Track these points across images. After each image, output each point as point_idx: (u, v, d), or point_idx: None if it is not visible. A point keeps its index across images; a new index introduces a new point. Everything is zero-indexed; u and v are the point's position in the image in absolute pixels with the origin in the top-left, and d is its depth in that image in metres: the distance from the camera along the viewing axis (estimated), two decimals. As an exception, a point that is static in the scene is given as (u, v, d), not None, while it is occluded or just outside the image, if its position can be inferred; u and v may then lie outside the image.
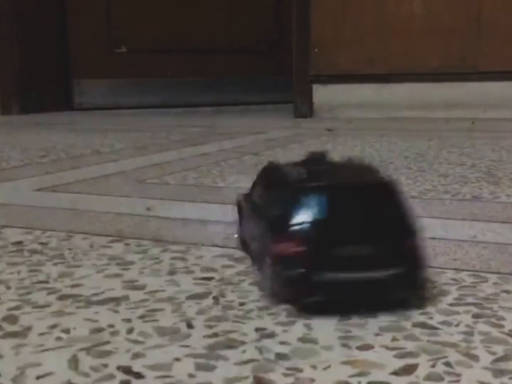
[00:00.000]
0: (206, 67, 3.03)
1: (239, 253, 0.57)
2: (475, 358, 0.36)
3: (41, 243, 0.62)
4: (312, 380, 0.34)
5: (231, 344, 0.38)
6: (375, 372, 0.34)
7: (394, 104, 2.14)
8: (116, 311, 0.44)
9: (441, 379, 0.34)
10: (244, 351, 0.37)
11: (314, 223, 0.41)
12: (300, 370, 0.35)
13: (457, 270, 0.52)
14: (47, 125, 2.18)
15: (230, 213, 0.73)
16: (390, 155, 1.23)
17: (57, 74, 2.82)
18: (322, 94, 2.24)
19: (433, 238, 0.61)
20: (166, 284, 0.49)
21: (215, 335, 0.39)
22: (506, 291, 0.46)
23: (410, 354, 0.37)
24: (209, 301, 0.45)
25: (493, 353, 0.36)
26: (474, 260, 0.54)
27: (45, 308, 0.44)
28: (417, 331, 0.40)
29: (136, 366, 0.35)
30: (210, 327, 0.41)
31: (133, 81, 2.93)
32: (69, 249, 0.60)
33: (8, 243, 0.62)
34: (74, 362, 0.36)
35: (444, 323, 0.41)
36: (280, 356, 0.36)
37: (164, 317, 0.43)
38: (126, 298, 0.46)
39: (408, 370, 0.35)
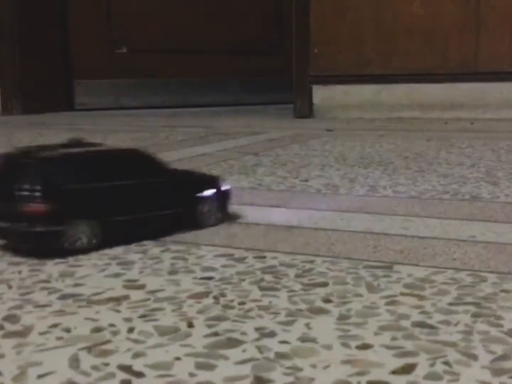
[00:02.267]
0: (206, 67, 3.03)
1: (239, 253, 0.57)
2: (474, 357, 0.36)
3: (41, 243, 0.62)
4: (312, 379, 0.34)
5: (231, 344, 0.38)
6: (374, 371, 0.35)
7: (393, 104, 2.14)
8: (117, 311, 0.44)
9: (440, 378, 0.34)
10: (244, 350, 0.37)
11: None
12: (300, 369, 0.35)
13: (456, 269, 0.52)
14: (48, 125, 2.18)
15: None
16: (389, 155, 1.23)
17: (58, 74, 2.82)
18: (322, 94, 2.24)
19: (432, 238, 0.61)
20: (166, 283, 0.49)
21: (215, 334, 0.40)
22: (505, 291, 0.47)
23: (410, 354, 0.37)
24: (209, 300, 0.46)
25: (492, 352, 0.37)
26: (473, 259, 0.54)
27: (46, 308, 0.45)
28: (416, 330, 0.40)
29: (137, 365, 0.36)
30: (210, 326, 0.41)
31: (134, 82, 2.93)
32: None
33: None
34: (75, 361, 0.36)
35: (443, 322, 0.41)
36: (280, 355, 0.37)
37: (164, 316, 0.43)
38: (126, 297, 0.46)
39: (408, 369, 0.35)
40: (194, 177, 0.70)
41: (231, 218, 0.70)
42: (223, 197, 0.68)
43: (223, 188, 0.68)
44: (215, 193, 0.67)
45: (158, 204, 0.63)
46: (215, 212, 0.67)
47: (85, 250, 0.57)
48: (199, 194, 0.65)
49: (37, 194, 0.55)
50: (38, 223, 0.55)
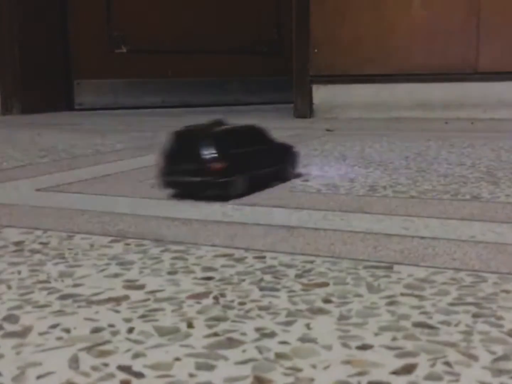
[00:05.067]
0: (206, 67, 3.04)
1: (239, 253, 0.57)
2: (474, 357, 0.36)
3: (41, 243, 0.62)
4: (312, 379, 0.34)
5: (231, 344, 0.38)
6: (374, 371, 0.35)
7: (393, 104, 2.14)
8: (117, 311, 0.44)
9: (441, 378, 0.34)
10: (244, 351, 0.37)
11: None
12: (300, 370, 0.35)
13: (456, 270, 0.52)
14: (47, 125, 2.18)
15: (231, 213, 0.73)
16: (389, 155, 1.23)
17: (58, 74, 2.82)
18: (322, 94, 2.24)
19: (433, 238, 0.61)
20: (166, 283, 0.49)
21: (215, 334, 0.40)
22: (506, 291, 0.47)
23: (410, 354, 0.37)
24: (209, 300, 0.45)
25: (493, 353, 0.37)
26: (473, 260, 0.54)
27: (46, 308, 0.44)
28: (416, 330, 0.40)
29: (137, 366, 0.36)
30: (210, 326, 0.41)
31: (133, 81, 2.93)
32: (70, 249, 0.60)
33: (9, 243, 0.62)
34: (74, 362, 0.36)
35: (443, 322, 0.41)
36: (280, 356, 0.37)
37: (164, 316, 0.43)
38: (126, 297, 0.46)
39: (408, 369, 0.35)
40: (282, 145, 0.95)
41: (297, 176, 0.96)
42: (295, 159, 0.96)
43: (295, 152, 0.96)
44: (293, 156, 0.96)
45: (271, 163, 0.90)
46: (292, 169, 0.95)
47: (234, 197, 0.80)
48: (287, 157, 0.95)
49: (216, 156, 0.80)
50: (218, 176, 0.79)
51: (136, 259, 0.56)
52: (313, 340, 0.39)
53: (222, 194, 0.80)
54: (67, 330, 0.41)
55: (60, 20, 2.80)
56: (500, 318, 0.42)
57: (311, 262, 0.54)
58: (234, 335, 0.39)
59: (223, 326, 0.41)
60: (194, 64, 3.01)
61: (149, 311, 0.44)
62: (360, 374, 0.34)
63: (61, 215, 0.74)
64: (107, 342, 0.39)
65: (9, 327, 0.41)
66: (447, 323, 0.41)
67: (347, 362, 0.36)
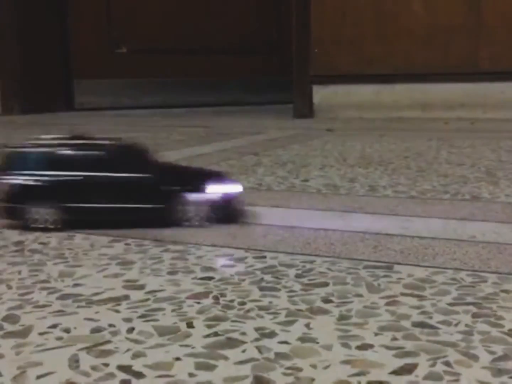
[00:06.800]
0: (206, 67, 3.03)
1: (239, 253, 0.57)
2: (474, 357, 0.36)
3: (41, 243, 0.62)
4: (312, 379, 0.34)
5: (231, 344, 0.38)
6: (374, 371, 0.35)
7: (393, 104, 2.14)
8: (117, 311, 0.44)
9: (441, 378, 0.34)
10: (244, 351, 0.37)
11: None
12: (300, 370, 0.35)
13: (456, 269, 0.52)
14: (48, 125, 2.18)
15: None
16: (389, 155, 1.23)
17: (58, 74, 2.82)
18: (322, 94, 2.24)
19: (433, 238, 0.61)
20: (166, 283, 0.49)
21: (215, 334, 0.40)
22: (505, 291, 0.47)
23: (410, 354, 0.37)
24: (209, 300, 0.45)
25: (493, 353, 0.37)
26: (473, 260, 0.54)
27: (46, 308, 0.44)
28: (416, 330, 0.40)
29: (137, 366, 0.36)
30: (210, 326, 0.41)
31: (133, 81, 2.93)
32: (70, 249, 0.60)
33: (9, 243, 0.62)
34: (74, 362, 0.36)
35: (443, 322, 0.41)
36: (280, 356, 0.37)
37: (164, 316, 0.43)
38: (126, 297, 0.46)
39: (408, 369, 0.35)
40: (184, 176, 0.71)
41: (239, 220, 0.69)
42: (223, 200, 0.67)
43: (226, 191, 0.68)
44: (207, 195, 0.67)
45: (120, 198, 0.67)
46: (203, 213, 0.66)
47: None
48: (180, 193, 0.66)
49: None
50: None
51: (136, 259, 0.56)
52: (313, 340, 0.39)
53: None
54: (67, 330, 0.41)
55: (60, 20, 2.80)
56: (500, 318, 0.42)
57: (311, 262, 0.54)
58: (234, 335, 0.39)
59: (223, 326, 0.41)
60: (194, 64, 3.00)
61: (149, 311, 0.44)
62: (360, 374, 0.34)
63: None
64: (107, 342, 0.39)
65: (9, 327, 0.41)
66: (447, 323, 0.41)
67: (347, 362, 0.36)
